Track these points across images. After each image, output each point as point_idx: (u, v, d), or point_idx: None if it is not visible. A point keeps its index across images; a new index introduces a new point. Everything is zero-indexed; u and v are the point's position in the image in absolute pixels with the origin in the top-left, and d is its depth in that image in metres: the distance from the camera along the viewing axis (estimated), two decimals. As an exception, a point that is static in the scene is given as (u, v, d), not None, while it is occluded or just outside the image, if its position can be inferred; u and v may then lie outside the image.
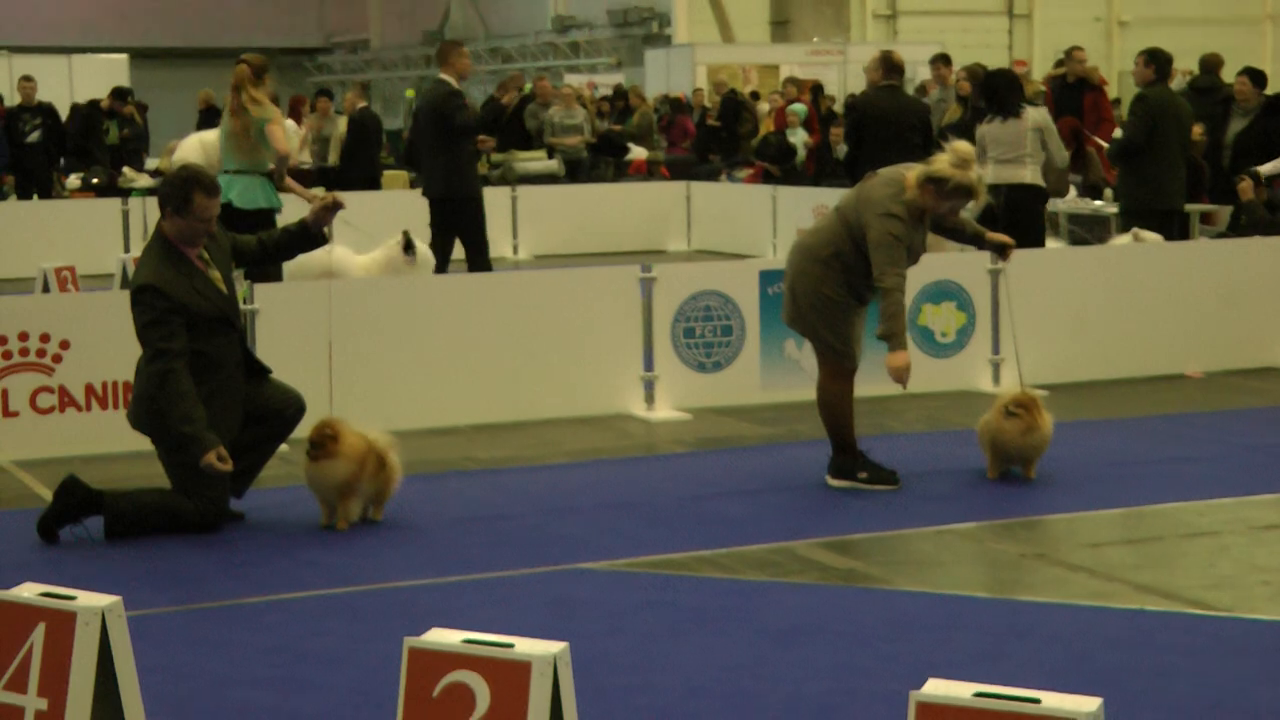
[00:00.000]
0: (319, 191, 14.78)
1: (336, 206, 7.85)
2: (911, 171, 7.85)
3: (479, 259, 13.14)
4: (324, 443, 7.19)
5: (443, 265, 12.98)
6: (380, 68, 47.64)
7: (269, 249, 7.93)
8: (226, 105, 11.79)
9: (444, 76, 13.24)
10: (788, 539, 7.09)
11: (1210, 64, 17.34)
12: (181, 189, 7.35)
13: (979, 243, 8.43)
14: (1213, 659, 5.48)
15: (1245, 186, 12.54)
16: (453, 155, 13.11)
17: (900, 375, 7.74)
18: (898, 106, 13.06)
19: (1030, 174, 12.44)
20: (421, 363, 9.55)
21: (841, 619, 6.00)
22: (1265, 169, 13.75)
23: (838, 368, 8.01)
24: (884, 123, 13.01)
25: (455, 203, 13.06)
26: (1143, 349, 10.98)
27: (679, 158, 23.79)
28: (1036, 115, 12.54)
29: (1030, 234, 12.29)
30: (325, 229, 7.90)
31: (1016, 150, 12.29)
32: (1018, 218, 12.27)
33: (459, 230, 13.13)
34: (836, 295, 7.89)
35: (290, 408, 7.63)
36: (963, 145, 7.91)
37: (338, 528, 7.28)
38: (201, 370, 7.29)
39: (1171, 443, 9.02)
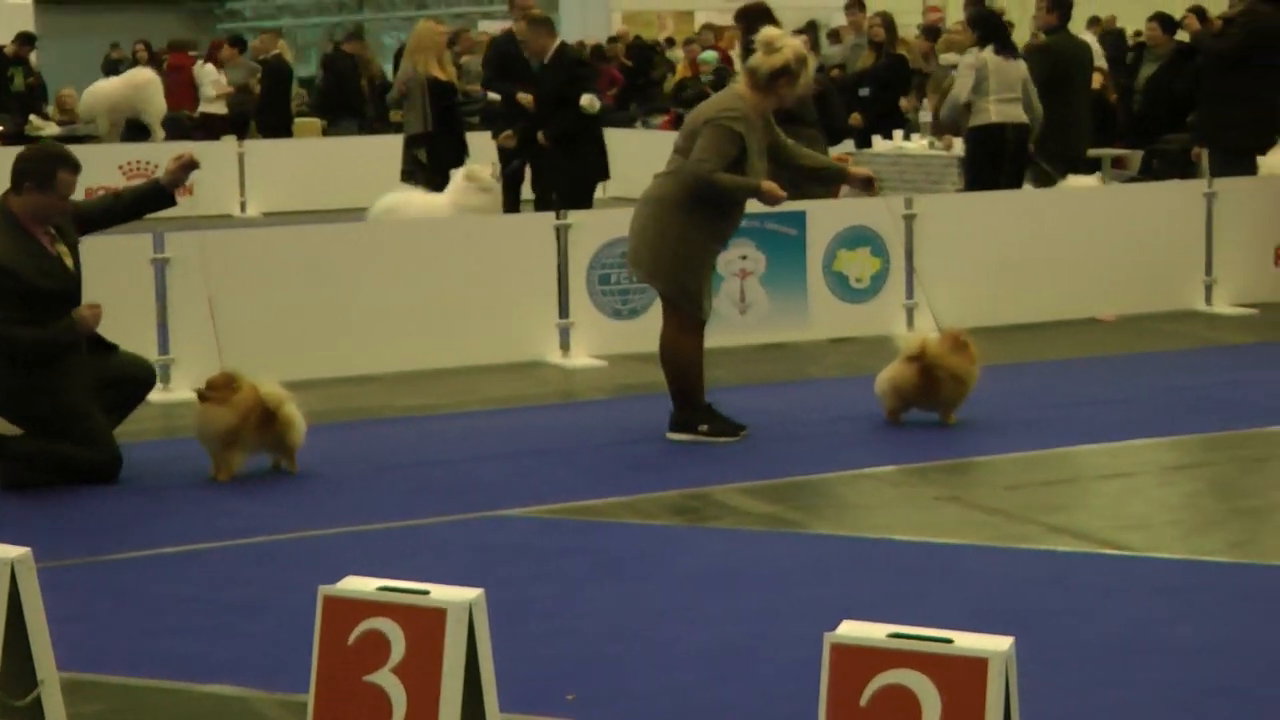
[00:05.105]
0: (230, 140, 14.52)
1: (192, 165, 7.60)
2: (734, 84, 7.94)
3: None
4: (219, 388, 7.12)
5: None
6: (293, 14, 47.06)
7: (116, 212, 7.56)
8: None
9: None
10: (706, 484, 7.11)
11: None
12: (46, 164, 7.14)
13: (843, 178, 8.38)
14: (1125, 598, 5.55)
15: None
16: None
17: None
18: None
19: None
20: (338, 311, 9.46)
21: (760, 563, 6.03)
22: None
23: (689, 321, 7.89)
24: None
25: None
26: (1056, 292, 11.05)
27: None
28: (1023, 65, 12.53)
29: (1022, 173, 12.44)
30: (176, 189, 7.64)
31: (1013, 92, 12.21)
32: (1020, 157, 12.31)
33: None
34: (700, 242, 7.84)
35: (144, 371, 7.58)
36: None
37: (218, 478, 7.19)
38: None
39: (1084, 386, 9.11)
